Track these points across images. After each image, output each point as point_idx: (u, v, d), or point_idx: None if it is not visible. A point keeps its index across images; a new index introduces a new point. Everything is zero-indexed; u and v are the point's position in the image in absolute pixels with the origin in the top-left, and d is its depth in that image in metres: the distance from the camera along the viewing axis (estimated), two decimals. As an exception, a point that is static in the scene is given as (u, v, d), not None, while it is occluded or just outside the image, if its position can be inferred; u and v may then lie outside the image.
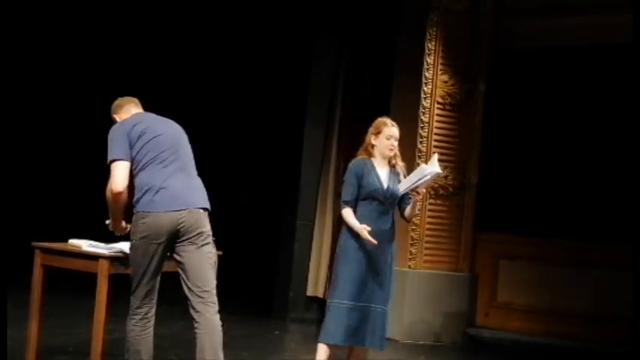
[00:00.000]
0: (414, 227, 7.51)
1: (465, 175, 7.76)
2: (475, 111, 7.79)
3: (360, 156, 5.04)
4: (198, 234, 4.25)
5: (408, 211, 5.06)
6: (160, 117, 4.51)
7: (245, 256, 8.84)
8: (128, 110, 4.55)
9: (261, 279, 8.78)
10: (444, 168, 7.63)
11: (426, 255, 7.61)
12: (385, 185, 4.92)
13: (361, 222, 4.86)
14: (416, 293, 7.52)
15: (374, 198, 4.90)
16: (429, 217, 7.62)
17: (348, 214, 4.93)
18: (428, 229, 7.62)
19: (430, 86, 7.61)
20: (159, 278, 4.33)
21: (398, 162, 5.06)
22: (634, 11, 6.06)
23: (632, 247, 7.01)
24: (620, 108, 7.48)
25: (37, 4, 9.46)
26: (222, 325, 4.30)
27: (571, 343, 7.33)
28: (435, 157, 5.00)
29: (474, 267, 7.85)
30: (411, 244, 7.53)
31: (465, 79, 7.72)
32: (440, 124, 7.66)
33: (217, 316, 4.25)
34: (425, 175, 4.81)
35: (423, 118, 7.58)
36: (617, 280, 7.26)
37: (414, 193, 4.90)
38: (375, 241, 4.81)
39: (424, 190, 5.02)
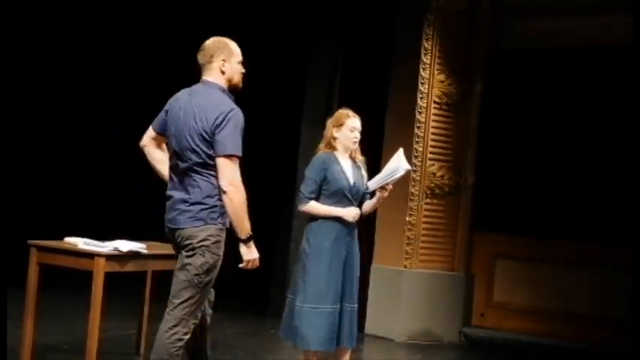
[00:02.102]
0: (410, 227, 7.52)
1: (462, 174, 7.77)
2: (471, 111, 7.80)
3: (322, 150, 4.86)
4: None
5: (367, 206, 4.91)
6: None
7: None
8: None
9: (257, 277, 8.77)
10: (439, 168, 7.70)
11: (422, 255, 7.60)
12: (352, 181, 4.78)
13: (328, 220, 4.75)
14: (412, 293, 7.52)
15: (342, 194, 4.74)
16: (425, 216, 7.62)
17: (315, 205, 4.77)
18: (424, 229, 7.62)
19: (427, 86, 7.62)
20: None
21: (357, 156, 4.89)
22: (634, 13, 6.06)
23: (629, 247, 7.05)
24: (617, 109, 7.49)
25: (36, 4, 9.45)
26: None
27: (567, 343, 7.34)
28: (401, 151, 4.84)
29: (470, 267, 7.86)
30: (407, 243, 7.53)
31: (461, 79, 7.73)
32: (436, 124, 7.66)
33: (166, 333, 3.91)
34: (397, 172, 4.71)
35: (419, 117, 7.59)
36: (614, 280, 7.28)
37: (382, 190, 4.79)
38: (359, 211, 4.75)
39: (391, 187, 4.82)
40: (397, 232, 7.52)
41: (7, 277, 5.11)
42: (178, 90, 4.20)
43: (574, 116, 7.74)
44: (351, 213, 4.74)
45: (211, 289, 4.14)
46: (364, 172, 4.88)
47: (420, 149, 7.55)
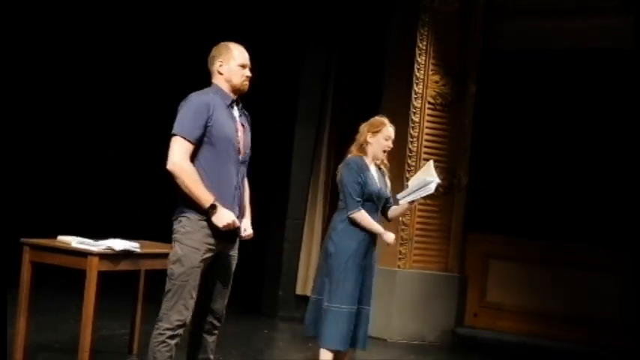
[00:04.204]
0: (403, 227, 7.52)
1: (455, 175, 7.78)
2: (466, 111, 7.81)
3: (353, 154, 4.90)
4: None
5: (394, 213, 5.02)
6: None
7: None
8: None
9: (251, 277, 8.77)
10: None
11: (415, 255, 7.61)
12: (378, 186, 4.86)
13: (354, 224, 4.79)
14: (405, 293, 7.52)
15: (369, 199, 4.81)
16: (419, 217, 7.62)
17: (364, 217, 4.77)
18: (418, 229, 7.63)
19: (421, 86, 7.63)
20: None
21: (384, 161, 4.98)
22: (634, 15, 6.09)
23: (620, 249, 7.07)
24: (611, 111, 7.51)
25: (36, 4, 9.44)
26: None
27: (559, 343, 7.35)
28: (431, 163, 4.94)
29: (464, 267, 7.87)
30: (401, 243, 7.54)
31: (455, 80, 7.74)
32: (431, 124, 7.67)
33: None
34: (427, 188, 4.79)
35: (413, 117, 7.60)
36: (606, 281, 7.30)
37: (410, 203, 4.90)
38: (393, 236, 4.85)
39: (420, 199, 4.99)
40: (391, 232, 7.50)
41: (3, 276, 5.09)
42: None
43: (568, 117, 7.75)
44: (389, 238, 4.86)
45: (218, 299, 4.24)
46: (387, 180, 4.97)
47: (414, 149, 7.56)
